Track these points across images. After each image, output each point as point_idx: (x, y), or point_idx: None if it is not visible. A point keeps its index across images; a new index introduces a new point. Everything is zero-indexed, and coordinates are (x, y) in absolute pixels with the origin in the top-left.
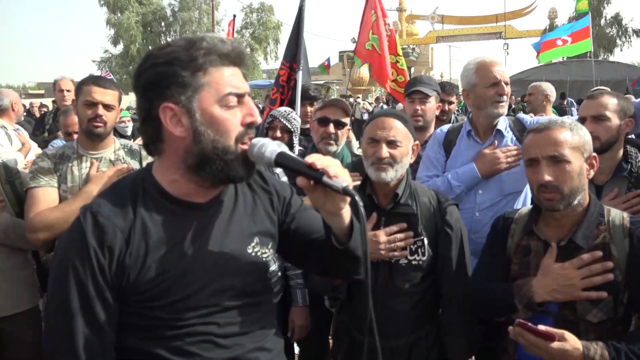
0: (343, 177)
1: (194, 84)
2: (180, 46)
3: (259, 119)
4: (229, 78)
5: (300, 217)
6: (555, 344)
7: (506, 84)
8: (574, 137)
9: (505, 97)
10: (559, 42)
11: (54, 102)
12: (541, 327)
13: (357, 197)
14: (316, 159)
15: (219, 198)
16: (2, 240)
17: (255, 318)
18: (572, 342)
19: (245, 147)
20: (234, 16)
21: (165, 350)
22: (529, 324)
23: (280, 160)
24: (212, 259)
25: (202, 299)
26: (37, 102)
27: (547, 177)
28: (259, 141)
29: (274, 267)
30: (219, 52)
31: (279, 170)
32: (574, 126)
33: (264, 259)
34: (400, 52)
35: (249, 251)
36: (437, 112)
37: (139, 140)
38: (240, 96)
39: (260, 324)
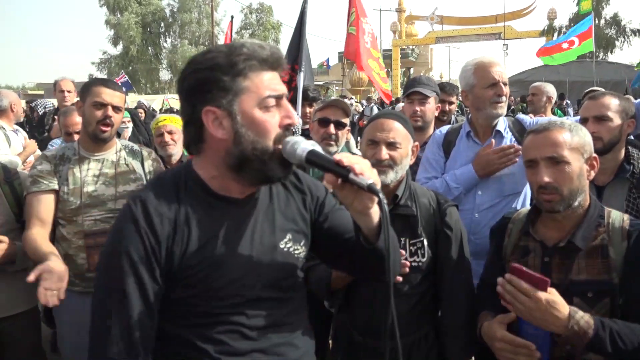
0: (369, 175)
1: (234, 88)
2: (222, 52)
3: (296, 121)
4: (268, 82)
5: (333, 217)
6: (545, 295)
7: (505, 84)
8: (573, 138)
9: (504, 98)
10: (565, 45)
11: (28, 104)
12: (535, 273)
13: (381, 195)
14: (344, 157)
15: (255, 195)
16: (22, 266)
17: (285, 313)
18: (560, 298)
19: (281, 146)
20: (232, 17)
21: (196, 337)
22: (524, 268)
23: (311, 157)
24: (246, 252)
25: (234, 290)
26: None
27: (546, 179)
28: (292, 139)
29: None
30: (258, 58)
31: None
32: (573, 127)
33: (295, 255)
34: (380, 52)
35: (282, 246)
36: (437, 113)
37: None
38: (278, 98)
39: (290, 320)
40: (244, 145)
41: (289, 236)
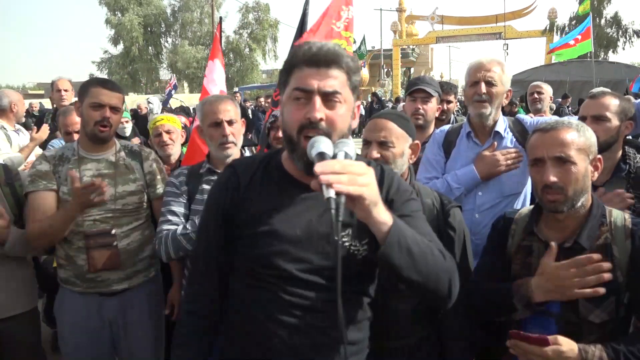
0: (343, 186)
1: (285, 82)
2: (290, 51)
3: (314, 115)
4: (302, 77)
5: (408, 223)
6: (550, 348)
7: (490, 84)
8: (580, 138)
9: (484, 97)
10: (572, 42)
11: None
12: (533, 335)
13: (333, 210)
14: (321, 164)
15: None
16: (11, 254)
17: (324, 300)
18: (566, 344)
19: (306, 142)
20: (221, 18)
21: (245, 296)
22: (521, 332)
23: (316, 160)
24: (300, 232)
25: (276, 263)
26: (35, 102)
27: (553, 178)
28: (315, 139)
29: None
30: (299, 56)
31: None
32: (580, 127)
33: (351, 251)
34: (349, 35)
35: (335, 237)
36: (437, 114)
37: (135, 140)
38: (307, 92)
39: (329, 309)
40: (283, 129)
41: (348, 231)
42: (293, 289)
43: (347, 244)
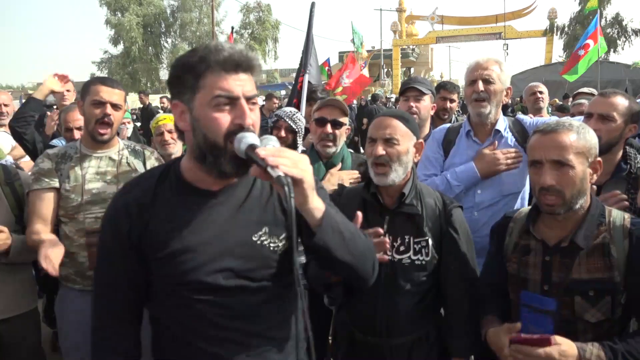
0: (288, 168)
1: (194, 86)
2: (193, 52)
3: (247, 122)
4: (222, 83)
5: None
6: (552, 348)
7: (487, 82)
8: (579, 141)
9: (482, 95)
10: (581, 52)
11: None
12: (535, 336)
13: (286, 186)
14: (267, 150)
15: (232, 187)
16: (17, 260)
17: (255, 303)
18: (565, 343)
19: (232, 144)
20: (232, 28)
21: (169, 319)
22: (522, 334)
23: (248, 152)
24: (215, 241)
25: (200, 276)
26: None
27: (550, 181)
28: (241, 135)
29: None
30: (216, 60)
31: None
32: (581, 129)
33: (271, 248)
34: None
35: (254, 239)
36: (432, 112)
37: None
38: (231, 99)
39: (262, 310)
40: (198, 139)
41: (265, 229)
42: (222, 299)
43: (265, 242)
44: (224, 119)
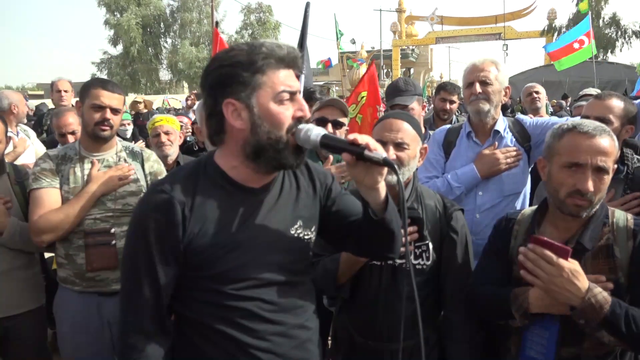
0: (382, 152)
1: (253, 83)
2: (243, 50)
3: (308, 114)
4: (283, 78)
5: (340, 201)
6: (568, 263)
7: (484, 83)
8: (614, 147)
9: (480, 96)
10: (576, 45)
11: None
12: (556, 243)
13: (396, 166)
14: (357, 136)
15: (270, 185)
16: (10, 244)
17: (297, 296)
18: (580, 272)
19: (294, 135)
20: (217, 23)
21: (215, 320)
22: (545, 237)
23: (325, 140)
24: (260, 237)
25: (246, 273)
26: (34, 103)
27: (592, 188)
28: (305, 126)
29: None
30: (276, 56)
31: None
32: (612, 135)
33: (305, 241)
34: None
35: (292, 232)
36: (424, 113)
37: (140, 143)
38: (292, 93)
39: (301, 303)
40: (259, 135)
41: (299, 222)
42: (268, 293)
43: (301, 235)
44: (288, 112)
